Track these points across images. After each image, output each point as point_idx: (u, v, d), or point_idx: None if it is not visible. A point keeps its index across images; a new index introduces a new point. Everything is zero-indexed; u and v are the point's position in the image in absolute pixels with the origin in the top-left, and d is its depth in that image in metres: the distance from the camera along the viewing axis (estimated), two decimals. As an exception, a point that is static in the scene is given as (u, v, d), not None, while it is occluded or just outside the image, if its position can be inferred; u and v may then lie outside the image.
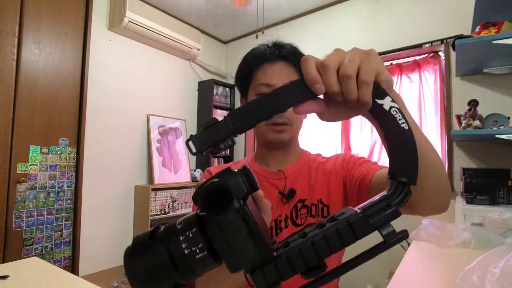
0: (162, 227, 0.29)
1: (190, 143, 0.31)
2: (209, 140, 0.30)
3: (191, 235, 0.26)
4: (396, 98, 0.30)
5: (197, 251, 0.25)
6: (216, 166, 0.80)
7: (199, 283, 0.63)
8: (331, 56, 0.30)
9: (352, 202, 0.70)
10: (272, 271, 0.25)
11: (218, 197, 0.26)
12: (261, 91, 0.71)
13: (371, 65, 0.30)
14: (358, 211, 0.26)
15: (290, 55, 0.71)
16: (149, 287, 0.26)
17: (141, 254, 0.27)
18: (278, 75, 0.70)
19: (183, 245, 0.26)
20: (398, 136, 0.28)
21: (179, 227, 0.27)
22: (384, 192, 0.28)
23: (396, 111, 0.29)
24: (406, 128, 0.28)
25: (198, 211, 0.27)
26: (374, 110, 0.30)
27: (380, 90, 0.30)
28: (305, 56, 0.31)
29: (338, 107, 0.33)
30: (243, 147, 3.28)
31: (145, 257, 0.26)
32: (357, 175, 0.67)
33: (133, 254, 0.27)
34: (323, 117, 0.34)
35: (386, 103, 0.29)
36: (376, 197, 0.28)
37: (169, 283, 0.26)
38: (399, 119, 0.28)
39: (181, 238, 0.26)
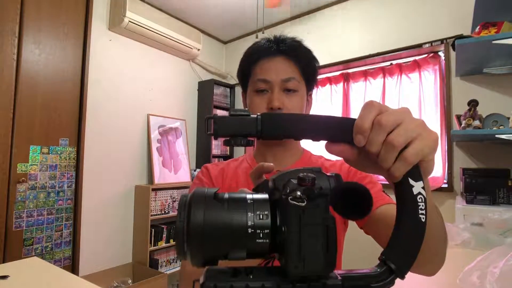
0: (226, 194, 0.27)
1: (212, 122, 0.29)
2: (230, 129, 0.28)
3: (261, 216, 0.25)
4: (426, 185, 0.29)
5: (261, 235, 0.24)
6: (214, 163, 0.79)
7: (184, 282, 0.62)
8: (392, 116, 0.28)
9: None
10: None
11: (366, 200, 0.25)
12: (259, 87, 0.69)
13: (424, 147, 0.28)
14: (339, 277, 0.25)
15: (289, 50, 0.68)
16: (204, 244, 0.24)
17: (204, 209, 0.25)
18: (275, 71, 0.67)
19: (249, 223, 0.24)
20: (411, 224, 0.27)
21: (249, 201, 0.26)
22: (370, 270, 0.27)
23: (422, 199, 0.27)
24: (423, 220, 0.27)
25: (287, 197, 0.24)
26: (401, 187, 0.28)
27: (418, 172, 0.28)
28: (370, 101, 0.29)
29: (368, 160, 0.31)
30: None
31: (208, 214, 0.24)
32: None
33: (197, 205, 0.25)
34: (349, 162, 0.33)
35: (417, 187, 0.28)
36: (361, 271, 0.27)
37: (221, 251, 0.25)
38: (421, 209, 0.27)
39: (249, 214, 0.25)
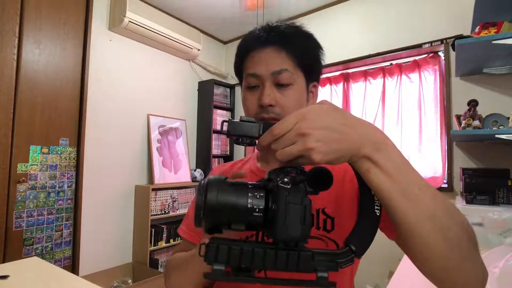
0: (233, 180, 0.36)
1: (227, 124, 0.41)
2: (239, 131, 0.40)
3: (258, 196, 0.33)
4: (391, 158, 0.36)
5: (257, 210, 0.33)
6: (221, 164, 0.79)
7: (170, 270, 0.63)
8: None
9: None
10: (215, 252, 0.31)
11: (327, 177, 0.33)
12: (250, 83, 0.62)
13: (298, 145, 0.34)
14: (311, 251, 0.33)
15: (280, 38, 0.60)
16: (216, 216, 0.33)
17: (217, 191, 0.33)
18: (265, 64, 0.59)
19: (249, 200, 0.33)
20: (368, 217, 0.37)
21: (250, 186, 0.34)
22: (336, 250, 0.35)
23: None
24: (378, 214, 0.37)
25: (276, 184, 0.33)
26: (363, 189, 0.38)
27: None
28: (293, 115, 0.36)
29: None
30: (243, 146, 3.28)
31: (220, 195, 0.33)
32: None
33: (212, 188, 0.34)
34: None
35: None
36: (329, 250, 0.34)
37: (227, 220, 0.34)
38: (376, 205, 0.37)
39: (249, 194, 0.33)
